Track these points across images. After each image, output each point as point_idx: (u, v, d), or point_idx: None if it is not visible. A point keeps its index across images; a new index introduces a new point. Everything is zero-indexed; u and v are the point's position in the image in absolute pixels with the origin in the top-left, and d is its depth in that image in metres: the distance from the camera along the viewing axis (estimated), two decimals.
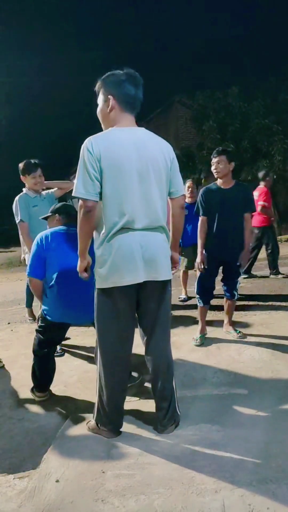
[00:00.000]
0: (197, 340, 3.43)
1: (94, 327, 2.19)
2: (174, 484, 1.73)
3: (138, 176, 1.95)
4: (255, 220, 5.85)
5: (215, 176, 3.39)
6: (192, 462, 1.87)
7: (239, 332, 3.48)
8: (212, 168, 3.37)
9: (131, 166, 1.93)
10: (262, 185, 6.12)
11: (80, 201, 1.93)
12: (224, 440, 2.01)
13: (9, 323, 4.62)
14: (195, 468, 1.82)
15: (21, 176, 3.68)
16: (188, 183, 4.88)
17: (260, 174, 6.32)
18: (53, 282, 2.49)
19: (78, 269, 2.16)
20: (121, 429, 2.16)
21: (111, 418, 2.13)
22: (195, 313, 4.30)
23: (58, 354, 3.33)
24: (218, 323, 3.88)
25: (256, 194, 5.85)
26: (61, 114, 25.62)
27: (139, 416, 2.33)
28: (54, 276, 2.49)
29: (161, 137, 2.16)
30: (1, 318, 4.94)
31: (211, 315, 4.16)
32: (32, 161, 3.65)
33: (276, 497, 1.61)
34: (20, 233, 3.63)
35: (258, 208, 5.75)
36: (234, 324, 3.63)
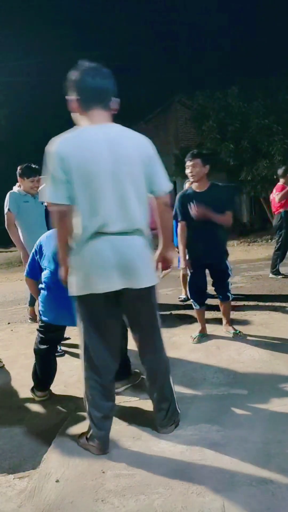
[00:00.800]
0: (195, 338, 3.44)
1: None
2: (174, 484, 1.73)
3: (110, 176, 1.81)
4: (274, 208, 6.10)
5: (190, 179, 3.34)
6: (192, 462, 1.87)
7: (239, 332, 3.48)
8: (187, 171, 3.30)
9: (102, 166, 1.80)
10: (281, 182, 6.09)
11: (52, 207, 1.85)
12: (224, 440, 2.01)
13: (9, 323, 4.62)
14: (195, 468, 1.82)
15: (18, 177, 3.75)
16: (188, 183, 4.87)
17: (280, 171, 6.15)
18: (44, 284, 2.54)
19: (59, 276, 2.07)
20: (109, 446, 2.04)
21: (97, 434, 1.99)
22: (195, 313, 4.30)
23: (58, 354, 3.33)
24: (218, 323, 3.88)
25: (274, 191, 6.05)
26: (61, 114, 25.54)
27: (139, 416, 2.33)
28: (46, 278, 2.53)
29: (139, 133, 1.99)
30: (1, 318, 4.94)
31: (210, 315, 4.15)
32: (33, 165, 3.73)
33: (276, 497, 1.61)
34: (6, 224, 3.72)
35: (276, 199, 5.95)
36: (233, 323, 3.63)
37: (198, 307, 3.51)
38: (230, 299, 3.53)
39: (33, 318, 4.62)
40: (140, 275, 1.91)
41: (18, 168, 3.78)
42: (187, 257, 3.45)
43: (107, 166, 1.80)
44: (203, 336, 3.49)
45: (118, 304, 1.96)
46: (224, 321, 3.62)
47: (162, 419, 2.12)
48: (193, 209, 3.20)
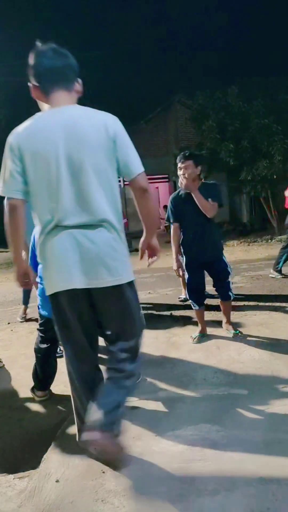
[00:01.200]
0: (195, 338, 3.44)
1: None
2: (174, 484, 1.73)
3: (67, 164, 1.65)
4: None
5: (183, 181, 3.29)
6: (192, 462, 1.87)
7: (239, 332, 3.48)
8: (179, 173, 3.27)
9: (57, 153, 1.65)
10: None
11: (5, 200, 1.72)
12: (224, 440, 2.01)
13: (9, 323, 4.62)
14: (195, 468, 1.82)
15: None
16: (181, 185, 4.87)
17: None
18: (40, 278, 2.52)
19: (14, 277, 1.96)
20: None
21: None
22: (194, 314, 4.30)
23: (59, 354, 3.32)
24: (218, 323, 3.88)
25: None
26: None
27: (139, 416, 2.33)
28: (39, 271, 2.51)
29: (104, 112, 1.80)
30: (1, 318, 4.94)
31: (210, 315, 4.15)
32: None
33: (276, 497, 1.61)
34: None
35: None
36: (233, 323, 3.63)
37: (197, 307, 3.51)
38: (231, 298, 3.50)
39: (24, 318, 4.68)
40: (108, 272, 1.73)
41: None
42: (181, 259, 3.46)
43: (63, 152, 1.65)
44: (203, 336, 3.49)
45: (90, 304, 1.79)
46: (224, 320, 3.62)
47: (94, 420, 1.74)
48: (182, 183, 3.23)
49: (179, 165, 3.27)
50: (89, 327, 1.84)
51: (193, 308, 3.54)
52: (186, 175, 3.23)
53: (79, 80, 1.83)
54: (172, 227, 3.47)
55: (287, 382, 2.58)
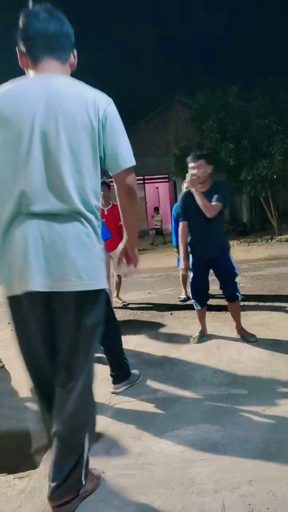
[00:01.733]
0: (194, 338, 3.43)
1: None
2: (174, 484, 1.73)
3: (41, 139, 1.39)
4: None
5: (189, 180, 3.26)
6: (192, 462, 1.87)
7: (253, 335, 3.36)
8: (191, 172, 3.24)
9: (32, 126, 1.38)
10: None
11: None
12: (224, 440, 2.01)
13: (9, 323, 4.60)
14: (195, 468, 1.82)
15: None
16: (186, 184, 4.86)
17: None
18: None
19: None
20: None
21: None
22: (195, 313, 4.30)
23: None
24: (218, 323, 3.88)
25: None
26: None
27: (139, 416, 2.33)
28: None
29: (96, 90, 1.53)
30: (1, 318, 4.94)
31: (211, 315, 4.16)
32: None
33: (276, 497, 1.61)
34: None
35: None
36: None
37: (199, 307, 3.50)
38: (239, 299, 3.42)
39: None
40: (75, 273, 1.43)
41: None
42: (189, 258, 3.44)
43: (38, 126, 1.39)
44: (203, 337, 3.49)
45: (51, 311, 1.49)
46: (236, 325, 3.48)
47: (52, 491, 1.53)
48: (188, 182, 3.23)
49: (191, 164, 3.24)
50: (50, 339, 1.53)
51: (195, 307, 3.54)
52: (199, 174, 3.21)
53: (75, 52, 1.58)
54: (180, 225, 3.45)
55: (287, 382, 2.58)
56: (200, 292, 3.47)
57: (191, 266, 3.45)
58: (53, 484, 1.52)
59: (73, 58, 1.58)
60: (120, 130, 1.53)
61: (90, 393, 1.61)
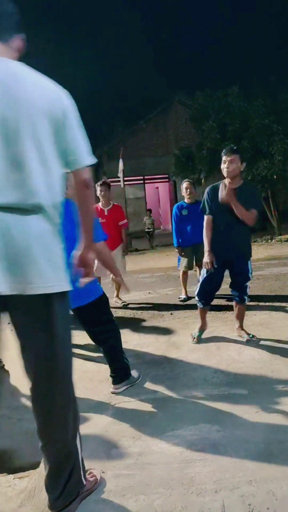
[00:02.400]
0: (194, 338, 3.43)
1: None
2: (174, 484, 1.73)
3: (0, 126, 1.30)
4: None
5: (225, 175, 3.19)
6: (192, 462, 1.87)
7: (252, 336, 3.37)
8: (223, 166, 3.16)
9: None
10: None
11: None
12: (224, 440, 2.01)
13: (9, 323, 4.61)
14: (195, 468, 1.82)
15: None
16: (185, 184, 4.88)
17: None
18: None
19: None
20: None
21: None
22: (195, 313, 4.30)
23: None
24: (218, 323, 3.88)
25: None
26: None
27: (139, 416, 2.33)
28: None
29: (53, 82, 1.46)
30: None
31: (211, 315, 4.16)
32: None
33: (276, 497, 1.61)
34: None
35: None
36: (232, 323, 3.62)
37: (202, 306, 3.48)
38: (246, 302, 3.45)
39: None
40: (37, 273, 1.34)
41: None
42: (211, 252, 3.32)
43: None
44: (203, 333, 3.48)
45: (13, 315, 1.45)
46: (237, 325, 3.53)
47: (52, 502, 1.56)
48: (222, 193, 3.13)
49: (224, 158, 3.15)
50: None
51: (198, 305, 3.51)
52: (230, 169, 3.13)
53: (22, 36, 1.49)
54: (205, 219, 3.35)
55: (287, 382, 2.58)
56: (208, 292, 3.43)
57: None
58: (52, 496, 1.52)
59: (19, 41, 1.48)
60: (78, 126, 1.49)
61: (67, 396, 1.53)
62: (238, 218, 3.16)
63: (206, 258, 3.31)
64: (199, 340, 3.42)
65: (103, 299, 2.59)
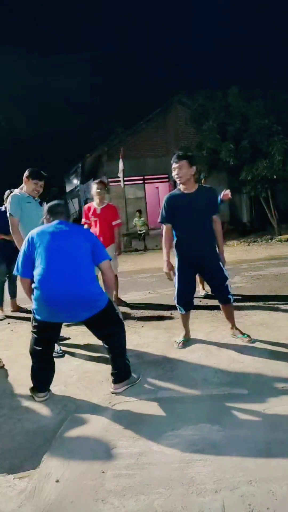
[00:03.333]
0: (179, 343, 3.38)
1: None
2: (174, 484, 1.73)
3: None
4: None
5: (177, 181, 3.25)
6: (192, 462, 1.87)
7: (247, 336, 3.35)
8: (174, 173, 3.23)
9: None
10: None
11: None
12: (224, 440, 2.01)
13: (9, 323, 4.62)
14: (195, 468, 1.82)
15: (24, 177, 3.72)
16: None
17: None
18: (37, 282, 2.48)
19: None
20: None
21: None
22: (195, 313, 4.30)
23: (59, 354, 3.33)
24: (218, 323, 3.88)
25: None
26: (61, 114, 25.67)
27: (139, 416, 2.33)
28: (39, 276, 2.47)
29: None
30: (1, 318, 4.94)
31: (210, 315, 4.16)
32: (42, 172, 3.77)
33: (276, 497, 1.61)
34: (10, 229, 3.69)
35: None
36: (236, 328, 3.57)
37: (184, 311, 3.43)
38: (231, 301, 3.39)
39: (15, 310, 5.05)
40: None
41: (27, 169, 3.77)
42: (174, 261, 3.34)
43: None
44: (187, 341, 3.43)
45: None
46: (229, 326, 3.50)
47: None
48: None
49: (173, 165, 3.21)
50: None
51: (179, 312, 3.47)
52: (180, 175, 3.18)
53: None
54: (164, 228, 3.36)
55: (287, 382, 2.58)
56: (185, 297, 3.39)
57: (176, 270, 3.35)
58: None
59: None
60: None
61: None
62: (200, 223, 3.23)
63: (165, 268, 3.33)
64: (184, 345, 3.37)
65: (110, 304, 2.62)
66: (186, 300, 3.41)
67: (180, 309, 3.45)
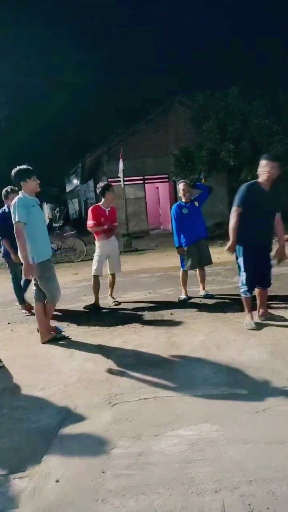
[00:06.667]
0: (251, 325, 3.65)
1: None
2: (174, 484, 1.73)
3: None
4: None
5: (264, 178, 3.56)
6: (192, 462, 1.87)
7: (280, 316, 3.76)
8: (264, 169, 3.54)
9: None
10: None
11: None
12: (224, 440, 2.01)
13: (9, 323, 4.61)
14: (195, 468, 1.82)
15: (21, 182, 3.65)
16: (181, 185, 4.91)
17: None
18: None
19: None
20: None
21: None
22: (195, 313, 4.31)
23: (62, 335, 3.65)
24: (218, 323, 3.88)
25: None
26: (61, 114, 25.68)
27: (139, 416, 2.33)
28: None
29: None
30: (1, 318, 4.94)
31: (210, 315, 4.16)
32: (25, 166, 3.69)
33: (276, 497, 1.61)
34: (15, 232, 3.54)
35: None
36: (233, 323, 3.63)
37: (248, 295, 3.76)
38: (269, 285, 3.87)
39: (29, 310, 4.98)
40: None
41: (16, 172, 3.63)
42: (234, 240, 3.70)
43: None
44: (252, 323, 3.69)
45: None
46: (262, 311, 3.86)
47: None
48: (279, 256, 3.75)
49: (267, 162, 3.54)
50: None
51: (245, 296, 3.77)
52: (271, 174, 3.53)
53: None
54: (235, 209, 3.70)
55: (287, 382, 2.58)
56: (251, 277, 3.72)
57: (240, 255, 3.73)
58: None
59: None
60: None
61: None
62: (270, 217, 3.69)
63: (230, 243, 3.71)
64: (253, 326, 3.62)
65: None
66: (252, 280, 3.74)
67: (245, 292, 3.77)
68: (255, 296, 3.84)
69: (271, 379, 2.65)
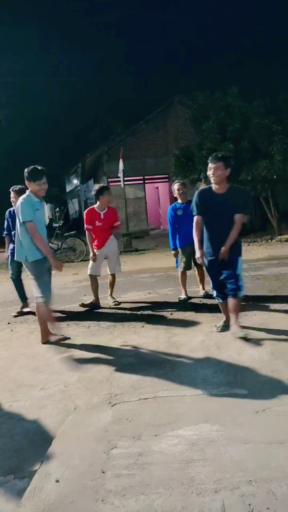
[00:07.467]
0: (218, 328, 3.63)
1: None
2: (174, 484, 1.73)
3: None
4: None
5: (211, 181, 3.42)
6: (192, 462, 1.87)
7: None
8: (209, 173, 3.38)
9: None
10: None
11: None
12: (224, 440, 2.01)
13: (9, 323, 4.61)
14: (195, 468, 1.82)
15: (26, 181, 3.65)
16: (176, 185, 4.89)
17: None
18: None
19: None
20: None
21: None
22: (195, 313, 4.31)
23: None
24: (218, 323, 3.88)
25: None
26: (61, 114, 25.67)
27: (139, 416, 2.33)
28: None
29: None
30: (1, 318, 4.94)
31: (210, 315, 4.16)
32: (39, 167, 3.61)
33: (276, 497, 1.61)
34: (29, 232, 3.52)
35: None
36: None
37: (221, 301, 3.63)
38: (240, 295, 3.60)
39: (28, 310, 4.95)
40: None
41: (25, 171, 3.61)
42: (201, 248, 3.52)
43: None
44: (226, 326, 3.62)
45: None
46: (232, 320, 3.57)
47: None
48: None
49: (210, 165, 3.36)
50: None
51: (218, 301, 3.69)
52: (215, 176, 3.34)
53: None
54: (195, 219, 3.56)
55: (287, 382, 2.58)
56: (218, 282, 3.57)
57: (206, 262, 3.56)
58: None
59: None
60: None
61: None
62: (225, 222, 3.40)
63: (197, 254, 3.53)
64: (223, 329, 3.59)
65: None
66: (220, 285, 3.57)
67: (217, 298, 3.68)
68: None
69: (271, 379, 2.65)
